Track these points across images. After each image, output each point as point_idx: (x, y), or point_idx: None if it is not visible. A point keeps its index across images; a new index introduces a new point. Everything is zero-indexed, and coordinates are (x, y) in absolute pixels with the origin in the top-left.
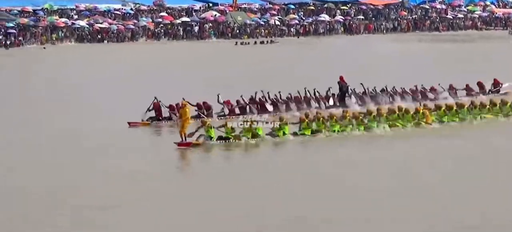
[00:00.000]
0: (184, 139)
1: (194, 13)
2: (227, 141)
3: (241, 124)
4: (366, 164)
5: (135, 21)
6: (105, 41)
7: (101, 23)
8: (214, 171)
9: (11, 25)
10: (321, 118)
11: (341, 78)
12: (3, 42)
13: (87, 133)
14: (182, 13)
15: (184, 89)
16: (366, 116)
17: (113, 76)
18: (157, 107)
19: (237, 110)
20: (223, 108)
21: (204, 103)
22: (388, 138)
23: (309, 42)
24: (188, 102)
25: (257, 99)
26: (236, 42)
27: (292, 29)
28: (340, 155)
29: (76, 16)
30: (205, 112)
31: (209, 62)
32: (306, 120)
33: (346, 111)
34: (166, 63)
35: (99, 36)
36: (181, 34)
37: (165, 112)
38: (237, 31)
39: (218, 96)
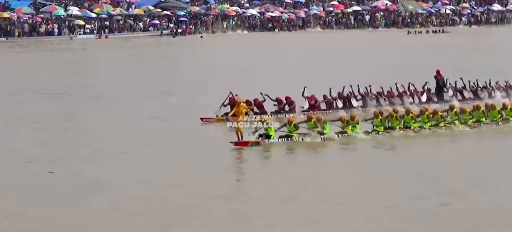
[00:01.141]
0: (240, 138)
1: (365, 2)
2: (289, 139)
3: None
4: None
5: (306, 10)
6: (276, 30)
7: (272, 12)
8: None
9: (182, 13)
10: (394, 115)
11: (437, 72)
12: (174, 30)
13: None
14: (353, 2)
15: (348, 78)
16: (447, 112)
17: (278, 64)
18: (233, 102)
19: (322, 105)
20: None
21: (286, 98)
22: (468, 136)
23: (481, 31)
24: (255, 99)
25: (345, 93)
26: (408, 32)
27: (463, 19)
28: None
29: (247, 5)
30: (287, 108)
31: (379, 51)
32: (380, 117)
33: (425, 108)
34: (335, 52)
35: (270, 25)
36: (352, 23)
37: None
38: (408, 20)
39: (303, 89)
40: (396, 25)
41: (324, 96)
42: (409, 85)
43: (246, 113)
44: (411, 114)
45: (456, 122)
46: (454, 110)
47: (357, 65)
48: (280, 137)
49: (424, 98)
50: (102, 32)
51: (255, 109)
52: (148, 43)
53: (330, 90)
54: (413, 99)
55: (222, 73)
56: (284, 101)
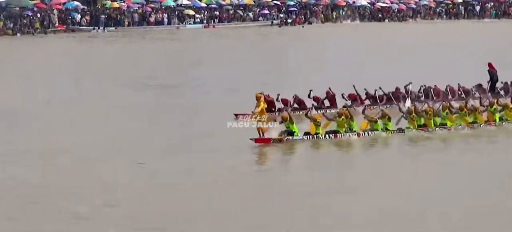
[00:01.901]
0: (261, 134)
1: None
2: (315, 137)
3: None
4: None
5: (417, 0)
6: (386, 20)
7: (382, 2)
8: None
9: (292, 3)
10: (429, 112)
11: (490, 65)
12: (284, 20)
13: None
14: None
15: (449, 71)
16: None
17: (382, 55)
18: (268, 99)
19: (367, 101)
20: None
21: (327, 92)
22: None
23: None
24: (265, 95)
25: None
26: None
27: None
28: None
29: None
30: (327, 103)
31: (487, 42)
32: (413, 114)
33: (463, 104)
34: (441, 43)
35: (379, 15)
36: (462, 13)
37: (280, 104)
38: None
39: (309, 92)
40: (507, 15)
41: (367, 94)
42: (459, 86)
43: (270, 110)
44: (447, 111)
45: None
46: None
47: (462, 57)
48: (305, 134)
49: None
50: (211, 22)
51: (295, 105)
52: (256, 33)
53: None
54: (466, 96)
55: (324, 64)
56: (320, 98)
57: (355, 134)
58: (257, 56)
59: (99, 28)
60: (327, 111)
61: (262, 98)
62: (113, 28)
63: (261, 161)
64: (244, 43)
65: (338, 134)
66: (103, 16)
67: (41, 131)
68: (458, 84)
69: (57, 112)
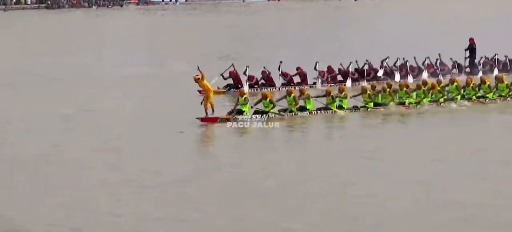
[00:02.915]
0: (207, 114)
1: None
2: (263, 115)
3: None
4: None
5: None
6: None
7: None
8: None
9: None
10: (388, 90)
11: (471, 39)
12: None
13: None
14: None
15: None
16: (448, 86)
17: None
18: (234, 75)
19: (338, 77)
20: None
21: (297, 68)
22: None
23: None
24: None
25: (365, 67)
26: None
27: None
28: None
29: None
30: (298, 79)
31: None
32: (369, 92)
33: (425, 80)
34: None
35: None
36: None
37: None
38: None
39: (316, 64)
40: None
41: (340, 69)
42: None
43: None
44: (405, 89)
45: (457, 97)
46: (455, 84)
47: None
48: (255, 112)
49: (455, 71)
50: None
51: (262, 82)
52: (321, 5)
53: (350, 64)
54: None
55: (374, 39)
56: (290, 74)
57: (307, 113)
58: (316, 29)
59: (171, 0)
60: (296, 87)
61: (203, 78)
62: (184, 0)
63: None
64: (304, 15)
65: (288, 113)
66: None
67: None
68: (437, 59)
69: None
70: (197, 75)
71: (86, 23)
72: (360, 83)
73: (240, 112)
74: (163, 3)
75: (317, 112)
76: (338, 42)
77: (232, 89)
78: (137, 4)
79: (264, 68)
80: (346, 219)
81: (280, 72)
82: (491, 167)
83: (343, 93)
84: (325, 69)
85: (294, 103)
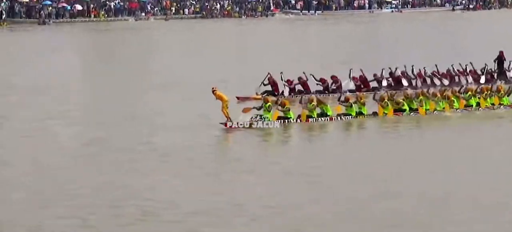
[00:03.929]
0: (229, 119)
1: None
2: (287, 121)
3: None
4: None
5: None
6: None
7: None
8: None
9: None
10: (407, 95)
11: (501, 53)
12: (466, 6)
13: None
14: None
15: None
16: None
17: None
18: (272, 81)
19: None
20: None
21: (332, 77)
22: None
23: None
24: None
25: (396, 74)
26: None
27: None
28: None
29: None
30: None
31: None
32: (386, 99)
33: (444, 89)
34: None
35: None
36: None
37: (283, 86)
38: None
39: (349, 72)
40: None
41: (374, 75)
42: (465, 67)
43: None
44: (421, 97)
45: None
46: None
47: None
48: (278, 118)
49: (482, 80)
50: (406, 7)
51: (299, 87)
52: (439, 17)
53: (382, 71)
54: (467, 80)
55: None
56: (328, 81)
57: (328, 119)
58: (436, 37)
59: (309, 11)
60: (330, 95)
61: (217, 92)
62: (321, 11)
63: None
64: (425, 26)
65: (309, 119)
66: (314, 1)
67: None
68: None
69: None
70: (214, 87)
71: (236, 30)
72: (383, 90)
73: (263, 118)
74: (302, 14)
75: (337, 118)
76: (449, 47)
77: (268, 96)
78: (279, 13)
79: (304, 73)
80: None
81: (283, 82)
82: None
83: (362, 100)
84: (357, 76)
85: (314, 109)
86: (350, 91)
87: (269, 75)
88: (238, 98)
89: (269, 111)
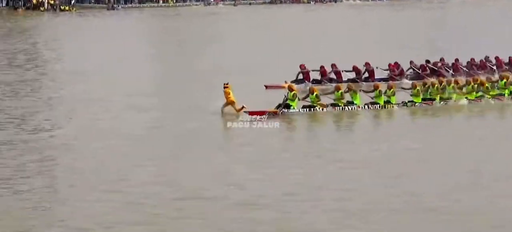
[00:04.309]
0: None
1: None
2: (311, 110)
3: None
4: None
5: None
6: None
7: None
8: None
9: None
10: (436, 85)
11: None
12: None
13: None
14: None
15: None
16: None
17: None
18: (305, 72)
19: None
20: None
21: (366, 64)
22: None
23: None
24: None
25: (431, 64)
26: None
27: None
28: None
29: None
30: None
31: None
32: (417, 87)
33: (477, 77)
34: None
35: None
36: None
37: (315, 75)
38: None
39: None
40: None
41: (411, 63)
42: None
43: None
44: (452, 85)
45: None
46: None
47: None
48: (303, 107)
49: None
50: None
51: (332, 76)
52: (508, 3)
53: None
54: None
55: None
56: (362, 69)
57: (355, 107)
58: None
59: None
60: (363, 83)
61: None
62: None
63: None
64: (495, 12)
65: (336, 107)
66: None
67: None
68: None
69: None
70: (226, 84)
71: (305, 16)
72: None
73: (288, 107)
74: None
75: (364, 107)
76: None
77: (299, 85)
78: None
79: (334, 64)
80: None
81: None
82: None
83: (392, 89)
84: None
85: (341, 97)
86: (383, 79)
87: (302, 66)
88: (266, 86)
89: (293, 100)
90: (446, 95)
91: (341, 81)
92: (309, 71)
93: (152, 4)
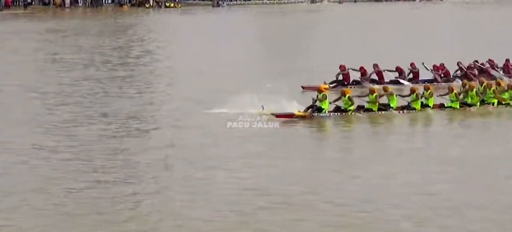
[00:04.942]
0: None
1: None
2: (344, 113)
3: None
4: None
5: None
6: None
7: None
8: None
9: None
10: (475, 89)
11: None
12: None
13: None
14: None
15: None
16: None
17: None
18: (343, 70)
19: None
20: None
21: (411, 64)
22: None
23: None
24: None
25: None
26: None
27: None
28: None
29: None
30: (410, 76)
31: None
32: (454, 91)
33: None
34: None
35: None
36: None
37: (355, 76)
38: None
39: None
40: None
41: (460, 64)
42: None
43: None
44: (493, 88)
45: None
46: None
47: None
48: (334, 110)
49: None
50: None
51: (373, 77)
52: None
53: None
54: None
55: None
56: (405, 70)
57: (391, 110)
58: None
59: None
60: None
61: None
62: None
63: None
64: None
65: (369, 111)
66: None
67: None
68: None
69: None
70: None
71: (411, 14)
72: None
73: (319, 110)
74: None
75: (400, 111)
76: None
77: (338, 86)
78: None
79: (376, 64)
80: None
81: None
82: None
83: (429, 91)
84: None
85: (376, 101)
86: (427, 80)
87: (342, 67)
88: (303, 87)
89: (322, 101)
90: (487, 99)
91: (383, 82)
92: (349, 72)
93: (257, 1)
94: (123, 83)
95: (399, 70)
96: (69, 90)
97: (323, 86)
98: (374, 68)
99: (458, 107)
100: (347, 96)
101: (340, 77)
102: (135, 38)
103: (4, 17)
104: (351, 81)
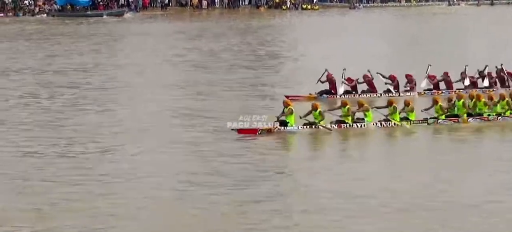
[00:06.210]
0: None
1: None
2: (313, 127)
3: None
4: None
5: None
6: None
7: None
8: None
9: None
10: (462, 100)
11: None
12: None
13: None
14: None
15: None
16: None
17: None
18: (330, 79)
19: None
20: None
21: (407, 75)
22: None
23: None
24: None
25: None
26: None
27: None
28: None
29: None
30: (408, 86)
31: None
32: (439, 103)
33: (504, 93)
34: None
35: None
36: None
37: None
38: None
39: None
40: None
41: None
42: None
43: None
44: (484, 100)
45: None
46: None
47: None
48: (304, 124)
49: None
50: None
51: (365, 87)
52: None
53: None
54: None
55: None
56: (398, 79)
57: (365, 125)
58: None
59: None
60: (400, 95)
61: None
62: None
63: None
64: None
65: (342, 125)
66: None
67: None
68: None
69: None
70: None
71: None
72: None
73: (284, 124)
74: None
75: (376, 124)
76: None
77: (324, 95)
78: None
79: (368, 71)
80: None
81: (342, 79)
82: None
83: (410, 105)
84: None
85: (349, 113)
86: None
87: (327, 72)
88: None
89: (288, 115)
90: (477, 111)
91: (375, 91)
92: (335, 81)
93: (394, 4)
94: None
95: (392, 78)
96: None
97: (287, 100)
98: (364, 78)
99: (443, 118)
100: (318, 110)
101: (327, 86)
102: (269, 37)
103: (142, 18)
104: (344, 91)
